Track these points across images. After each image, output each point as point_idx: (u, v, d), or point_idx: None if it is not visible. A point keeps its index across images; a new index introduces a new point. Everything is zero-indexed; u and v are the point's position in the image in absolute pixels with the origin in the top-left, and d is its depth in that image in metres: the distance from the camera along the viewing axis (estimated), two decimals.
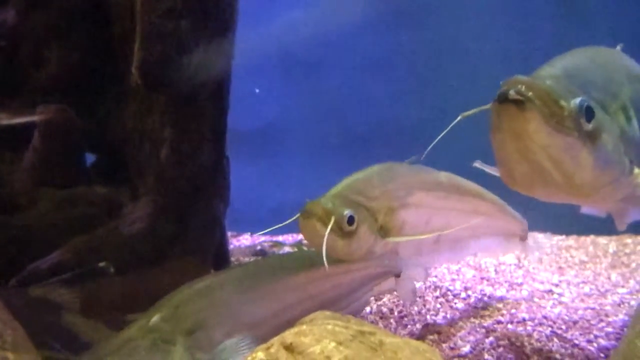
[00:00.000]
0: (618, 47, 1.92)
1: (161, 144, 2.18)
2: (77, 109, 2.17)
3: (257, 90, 4.99)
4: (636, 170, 1.58)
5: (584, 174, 1.40)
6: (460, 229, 2.34)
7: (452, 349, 2.16)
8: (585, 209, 2.14)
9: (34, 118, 2.10)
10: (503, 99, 1.32)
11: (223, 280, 1.80)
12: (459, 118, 1.54)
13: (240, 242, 4.65)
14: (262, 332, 1.65)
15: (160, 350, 1.49)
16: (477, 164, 2.09)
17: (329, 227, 1.84)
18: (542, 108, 1.31)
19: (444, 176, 2.40)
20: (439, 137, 1.67)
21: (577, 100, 1.36)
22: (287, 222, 2.00)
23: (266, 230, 2.14)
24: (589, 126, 1.37)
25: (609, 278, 3.21)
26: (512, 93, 1.31)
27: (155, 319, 1.55)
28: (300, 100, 5.07)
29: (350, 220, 1.92)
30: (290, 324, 1.37)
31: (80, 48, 2.28)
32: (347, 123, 5.02)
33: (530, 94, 1.31)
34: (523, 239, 2.76)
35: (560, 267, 3.50)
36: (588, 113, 1.36)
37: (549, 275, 3.27)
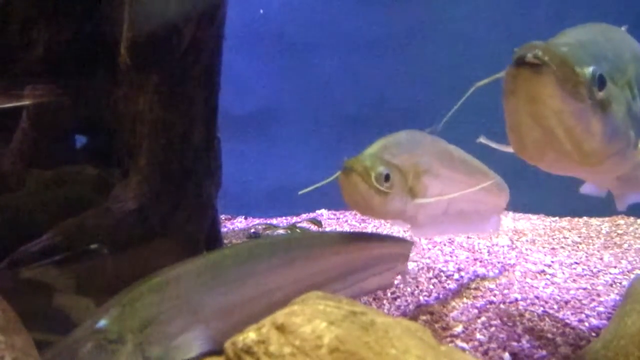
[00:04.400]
0: (623, 28, 1.92)
1: (152, 125, 2.16)
2: (66, 90, 2.14)
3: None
4: None
5: (593, 141, 1.42)
6: (465, 203, 2.49)
7: (444, 329, 2.18)
8: (585, 189, 2.15)
9: (23, 99, 2.07)
10: (520, 63, 1.34)
11: (181, 271, 1.70)
12: (473, 88, 1.55)
13: (235, 225, 4.65)
14: (234, 320, 1.61)
15: (104, 351, 1.43)
16: (482, 140, 2.14)
17: (368, 180, 1.96)
18: (558, 73, 1.33)
19: (453, 149, 2.49)
20: (454, 108, 1.68)
21: (591, 68, 1.38)
22: (326, 181, 2.11)
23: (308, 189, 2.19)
24: (601, 94, 1.39)
25: (601, 259, 3.23)
26: (529, 56, 1.32)
27: (101, 319, 1.50)
28: (294, 82, 5.04)
29: (387, 177, 2.02)
30: (273, 308, 1.34)
31: (69, 28, 2.25)
32: (340, 105, 5.00)
33: (547, 58, 1.33)
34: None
35: (553, 248, 3.52)
36: (600, 82, 1.39)
37: (541, 256, 3.29)
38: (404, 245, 2.37)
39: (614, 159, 1.52)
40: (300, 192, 2.25)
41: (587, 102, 1.37)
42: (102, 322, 1.49)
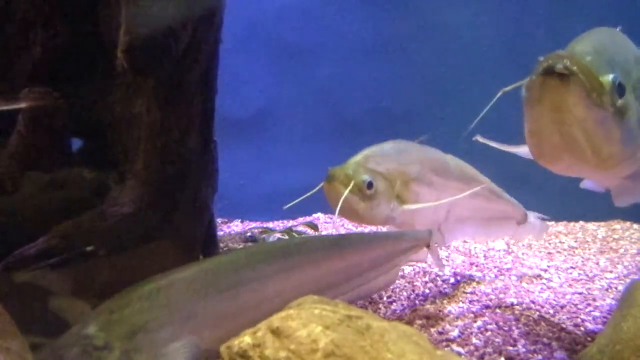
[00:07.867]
0: (617, 29, 1.94)
1: (148, 128, 2.15)
2: (62, 93, 2.13)
3: None
4: None
5: (612, 147, 1.46)
6: (463, 210, 2.56)
7: (440, 333, 2.18)
8: (587, 184, 2.19)
9: (19, 102, 2.07)
10: (549, 72, 1.37)
11: (173, 278, 1.67)
12: (500, 93, 1.58)
13: (231, 228, 4.65)
14: (228, 328, 1.56)
15: (90, 357, 1.41)
16: (479, 138, 2.18)
17: (349, 188, 2.05)
18: (586, 83, 1.38)
19: (449, 158, 2.53)
20: (482, 113, 1.71)
21: (611, 76, 1.43)
22: (314, 190, 2.19)
23: (291, 204, 2.23)
24: (620, 102, 1.44)
25: (597, 263, 3.24)
26: (559, 66, 1.36)
27: (89, 325, 1.48)
28: (291, 86, 5.04)
29: (369, 185, 2.10)
30: (269, 316, 1.34)
31: (66, 31, 2.24)
32: (338, 109, 5.01)
33: (575, 68, 1.37)
34: (520, 223, 2.94)
35: (549, 253, 3.53)
36: (620, 90, 1.44)
37: (537, 261, 3.30)
38: (412, 237, 2.36)
39: (628, 161, 1.57)
40: (285, 207, 2.31)
41: (609, 109, 1.41)
42: (90, 328, 1.48)
